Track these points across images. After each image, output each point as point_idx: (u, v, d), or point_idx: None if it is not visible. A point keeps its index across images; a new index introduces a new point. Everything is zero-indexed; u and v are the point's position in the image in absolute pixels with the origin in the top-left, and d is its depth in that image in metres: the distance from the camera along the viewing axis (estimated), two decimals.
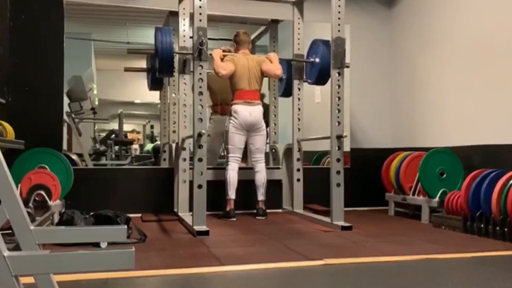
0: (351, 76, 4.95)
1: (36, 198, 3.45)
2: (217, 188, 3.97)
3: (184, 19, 4.29)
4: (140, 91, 5.07)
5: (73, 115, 5.63)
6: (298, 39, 4.50)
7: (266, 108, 4.78)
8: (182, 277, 2.24)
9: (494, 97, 3.94)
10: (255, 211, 4.27)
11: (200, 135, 3.34)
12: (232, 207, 4.11)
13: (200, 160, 3.37)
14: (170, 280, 2.21)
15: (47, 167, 3.85)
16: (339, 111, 3.72)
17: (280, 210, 4.69)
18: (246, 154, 4.47)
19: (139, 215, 4.27)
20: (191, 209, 3.68)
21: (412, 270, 2.43)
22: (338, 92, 3.73)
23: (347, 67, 4.26)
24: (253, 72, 4.23)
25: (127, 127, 7.98)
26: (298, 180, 4.44)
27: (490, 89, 3.99)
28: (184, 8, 4.31)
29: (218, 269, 2.35)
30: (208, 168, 3.97)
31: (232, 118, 4.19)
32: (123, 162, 7.01)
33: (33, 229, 1.32)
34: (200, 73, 3.41)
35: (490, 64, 4.00)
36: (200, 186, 3.35)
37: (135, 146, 7.28)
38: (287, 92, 4.75)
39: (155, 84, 4.59)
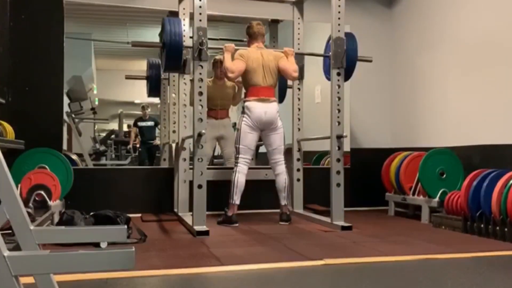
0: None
1: (36, 198, 3.45)
2: (217, 188, 3.97)
3: (184, 19, 4.29)
4: (140, 91, 5.07)
5: (73, 115, 5.64)
6: (298, 39, 4.50)
7: None
8: (182, 277, 2.24)
9: (494, 97, 3.94)
10: (254, 211, 4.26)
11: (200, 135, 3.34)
12: (235, 212, 3.82)
13: (200, 160, 3.37)
14: (170, 280, 2.21)
15: (47, 167, 3.85)
16: (339, 111, 3.72)
17: (279, 211, 4.68)
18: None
19: (139, 215, 4.27)
20: (191, 209, 3.68)
21: (412, 270, 2.43)
22: (338, 92, 3.73)
23: (370, 61, 4.24)
24: (269, 67, 3.91)
25: (127, 127, 7.98)
26: (298, 180, 4.44)
27: (490, 89, 3.99)
28: (184, 8, 4.31)
29: (218, 269, 2.35)
30: (212, 168, 3.97)
31: (245, 116, 3.88)
32: (123, 162, 7.01)
33: (33, 229, 1.32)
34: (200, 73, 3.41)
35: (490, 64, 4.00)
36: (200, 186, 3.35)
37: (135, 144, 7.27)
38: (280, 98, 4.71)
39: (154, 91, 4.61)
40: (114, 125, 7.89)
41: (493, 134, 3.91)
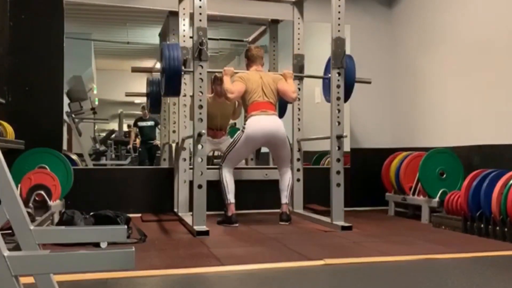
0: None
1: (36, 198, 3.45)
2: (217, 188, 3.96)
3: (184, 19, 4.29)
4: (140, 91, 5.07)
5: (73, 115, 5.64)
6: (298, 39, 4.50)
7: None
8: (182, 277, 2.24)
9: (494, 97, 3.94)
10: (254, 211, 4.27)
11: (200, 135, 3.34)
12: (234, 211, 3.81)
13: (200, 160, 3.37)
14: (170, 280, 2.21)
15: (47, 167, 3.85)
16: (339, 111, 3.72)
17: (280, 210, 4.68)
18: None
19: (139, 215, 4.27)
20: (191, 209, 3.68)
21: (412, 270, 2.43)
22: (338, 92, 3.72)
23: (369, 83, 4.28)
24: (268, 87, 3.93)
25: (127, 127, 7.99)
26: (298, 180, 4.44)
27: (490, 89, 3.99)
28: (184, 8, 4.31)
29: (218, 269, 2.35)
30: (212, 168, 3.97)
31: (245, 132, 3.81)
32: (123, 162, 7.01)
33: (33, 229, 1.32)
34: (200, 73, 3.41)
35: (490, 64, 4.00)
36: (200, 186, 3.35)
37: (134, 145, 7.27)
38: (280, 114, 4.70)
39: (155, 107, 4.59)
40: (114, 125, 7.90)
41: (493, 134, 3.91)
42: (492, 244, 3.03)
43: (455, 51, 4.42)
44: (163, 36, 5.70)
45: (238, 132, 3.94)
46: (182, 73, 3.67)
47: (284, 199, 3.98)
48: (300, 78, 4.50)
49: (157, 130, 6.89)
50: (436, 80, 4.66)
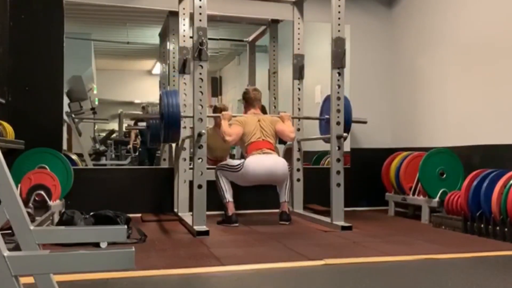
0: (351, 76, 4.95)
1: (36, 198, 3.45)
2: (214, 188, 3.96)
3: (184, 19, 4.29)
4: (140, 91, 5.08)
5: (73, 115, 5.64)
6: (298, 39, 4.50)
7: (264, 111, 4.75)
8: (182, 277, 2.24)
9: (494, 97, 3.94)
10: (254, 211, 4.27)
11: (200, 135, 3.33)
12: (234, 211, 3.81)
13: (200, 160, 3.37)
14: (170, 280, 2.21)
15: (47, 167, 3.85)
16: (339, 111, 3.72)
17: (279, 209, 4.68)
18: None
19: (139, 215, 4.27)
20: (191, 209, 3.68)
21: (412, 270, 2.43)
22: (338, 92, 3.72)
23: (365, 122, 4.35)
24: (266, 129, 3.99)
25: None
26: (298, 180, 4.44)
27: (490, 89, 3.99)
28: (184, 8, 4.30)
29: (218, 269, 2.35)
30: (212, 168, 3.97)
31: (243, 170, 3.80)
32: (123, 162, 7.01)
33: (33, 229, 1.32)
34: (200, 73, 3.41)
35: (490, 64, 4.00)
36: (200, 186, 3.35)
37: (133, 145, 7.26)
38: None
39: (154, 141, 4.61)
40: (114, 125, 7.89)
41: (493, 134, 3.91)
42: (492, 244, 3.03)
43: (455, 51, 4.42)
44: (163, 36, 5.71)
45: (239, 163, 3.88)
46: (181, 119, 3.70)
47: (283, 196, 3.98)
48: (300, 77, 4.50)
49: None
50: (436, 80, 4.66)
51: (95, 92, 6.76)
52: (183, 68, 4.19)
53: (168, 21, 4.90)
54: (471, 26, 4.24)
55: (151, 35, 6.46)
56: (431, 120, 4.72)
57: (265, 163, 3.85)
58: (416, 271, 2.41)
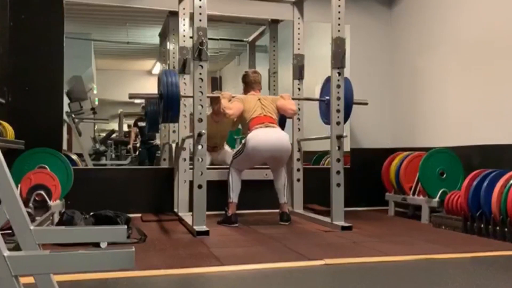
0: (351, 76, 4.93)
1: (36, 198, 3.45)
2: (217, 188, 3.97)
3: (184, 19, 4.29)
4: (140, 91, 5.07)
5: (73, 115, 5.64)
6: (298, 39, 4.50)
7: None
8: (182, 277, 2.24)
9: (494, 97, 3.94)
10: (254, 211, 4.26)
11: (200, 135, 3.33)
12: (235, 211, 3.81)
13: (200, 160, 3.37)
14: (170, 280, 2.21)
15: (47, 167, 3.85)
16: (339, 111, 3.72)
17: (279, 210, 4.68)
18: None
19: (139, 215, 4.27)
20: (191, 209, 3.68)
21: (412, 270, 2.43)
22: (338, 92, 3.72)
23: (366, 104, 4.31)
24: (267, 105, 3.95)
25: (127, 127, 7.99)
26: (298, 180, 4.44)
27: (490, 89, 3.99)
28: (184, 8, 4.31)
29: (218, 269, 2.35)
30: (212, 168, 3.98)
31: (246, 147, 3.77)
32: (123, 162, 7.01)
33: (33, 229, 1.32)
34: (200, 73, 3.41)
35: (490, 64, 4.00)
36: (200, 186, 3.35)
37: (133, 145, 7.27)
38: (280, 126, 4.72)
39: (153, 128, 4.60)
40: (114, 125, 7.90)
41: (493, 134, 3.91)
42: (492, 244, 3.03)
43: (455, 51, 4.42)
44: (163, 36, 5.71)
45: (241, 144, 3.90)
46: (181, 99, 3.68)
47: (283, 198, 3.97)
48: (300, 77, 4.50)
49: None
50: (436, 80, 4.66)
51: (95, 92, 6.76)
52: (183, 68, 4.19)
53: (168, 21, 4.90)
54: (471, 26, 4.24)
55: (151, 35, 6.46)
56: (431, 120, 4.72)
57: (268, 137, 3.78)
58: (416, 271, 2.41)
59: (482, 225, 3.26)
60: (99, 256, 1.13)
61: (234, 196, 3.84)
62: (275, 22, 5.22)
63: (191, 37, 3.81)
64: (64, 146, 4.76)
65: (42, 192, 3.46)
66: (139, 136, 7.10)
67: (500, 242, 3.06)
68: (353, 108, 5.12)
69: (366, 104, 4.34)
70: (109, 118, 7.85)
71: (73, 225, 2.99)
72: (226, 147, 4.94)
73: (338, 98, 3.72)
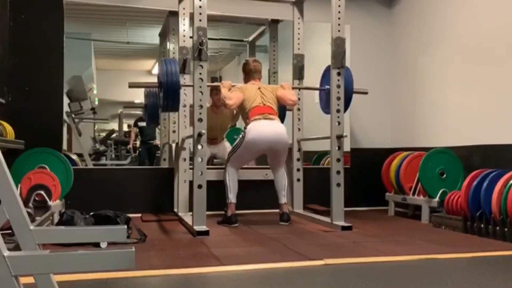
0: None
1: (36, 198, 3.45)
2: (217, 188, 3.96)
3: (184, 19, 4.29)
4: (140, 91, 5.07)
5: (73, 115, 5.64)
6: (298, 39, 4.50)
7: None
8: (182, 277, 2.24)
9: (494, 97, 3.94)
10: (254, 211, 4.26)
11: (200, 135, 3.33)
12: (234, 211, 3.81)
13: (200, 160, 3.37)
14: (170, 280, 2.21)
15: (47, 167, 3.85)
16: (339, 111, 3.72)
17: (279, 211, 4.68)
18: None
19: (139, 215, 4.27)
20: (191, 209, 3.68)
21: (412, 270, 2.43)
22: (338, 92, 3.72)
23: (366, 93, 4.29)
24: (267, 95, 3.92)
25: (127, 127, 7.99)
26: (298, 180, 4.44)
27: (490, 89, 3.99)
28: (184, 8, 4.30)
29: (218, 269, 2.35)
30: (212, 168, 3.97)
31: (245, 139, 3.76)
32: (123, 162, 7.01)
33: (33, 229, 1.32)
34: (200, 73, 3.41)
35: (490, 64, 4.00)
36: (200, 186, 3.35)
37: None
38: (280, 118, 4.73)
39: (153, 119, 4.57)
40: (114, 125, 7.90)
41: (493, 134, 3.91)
42: (492, 244, 3.03)
43: (455, 51, 4.42)
44: (163, 36, 5.70)
45: (239, 137, 3.91)
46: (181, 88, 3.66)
47: (283, 199, 3.97)
48: (300, 77, 4.50)
49: (157, 130, 6.89)
50: (436, 80, 4.66)
51: (95, 92, 6.76)
52: (183, 68, 4.19)
53: (168, 21, 4.90)
54: (471, 26, 4.24)
55: (151, 35, 6.45)
56: (431, 120, 4.72)
57: (267, 129, 3.77)
58: (416, 271, 2.41)
59: (482, 225, 3.26)
60: (99, 256, 1.13)
61: (232, 196, 3.84)
62: (275, 22, 5.22)
63: (191, 37, 3.82)
64: (64, 146, 4.76)
65: (42, 192, 3.46)
66: (139, 136, 7.10)
67: (500, 242, 3.06)
68: (353, 109, 5.14)
69: (366, 93, 4.31)
70: (109, 118, 7.85)
71: (73, 225, 2.99)
72: (226, 143, 4.93)
73: (338, 98, 3.72)
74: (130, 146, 7.17)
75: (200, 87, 3.41)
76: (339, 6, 3.70)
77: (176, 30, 4.48)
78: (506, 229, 3.07)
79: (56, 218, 3.50)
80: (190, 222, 3.48)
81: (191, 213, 3.57)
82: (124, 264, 1.12)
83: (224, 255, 2.63)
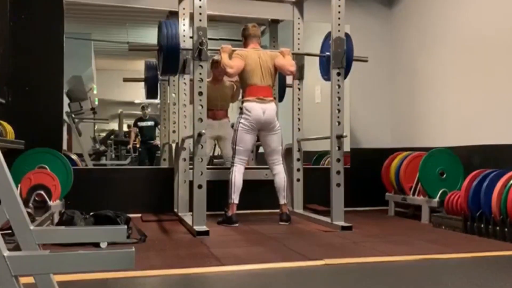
0: (351, 76, 4.92)
1: (36, 198, 3.45)
2: (217, 188, 3.96)
3: (184, 19, 4.29)
4: (140, 91, 5.08)
5: (73, 115, 5.64)
6: (298, 39, 4.50)
7: None
8: (182, 277, 2.24)
9: (494, 97, 3.94)
10: (254, 211, 4.26)
11: (200, 135, 3.34)
12: (235, 212, 3.84)
13: (200, 160, 3.37)
14: (170, 280, 2.21)
15: (47, 167, 3.85)
16: (339, 111, 3.72)
17: (279, 211, 4.68)
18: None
19: (139, 215, 4.27)
20: (191, 209, 3.68)
21: (412, 270, 2.43)
22: (338, 92, 3.72)
23: (366, 61, 4.29)
24: (266, 66, 3.95)
25: (127, 127, 7.98)
26: (298, 180, 4.44)
27: (490, 89, 3.99)
28: (184, 8, 4.30)
29: (218, 269, 2.35)
30: (212, 168, 3.97)
31: (242, 117, 3.89)
32: (123, 162, 7.01)
33: (33, 229, 1.32)
34: (200, 73, 3.41)
35: (490, 64, 4.00)
36: (200, 186, 3.35)
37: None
38: (280, 97, 4.77)
39: (152, 93, 4.61)
40: (114, 125, 7.89)
41: (493, 134, 3.91)
42: (492, 244, 3.03)
43: (455, 51, 4.42)
44: None
45: (237, 117, 3.98)
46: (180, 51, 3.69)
47: (282, 199, 3.98)
48: (300, 77, 4.50)
49: (157, 130, 6.89)
50: (436, 80, 4.66)
51: (95, 92, 6.75)
52: (183, 68, 4.19)
53: None
54: (471, 26, 4.24)
55: (150, 35, 6.44)
56: (431, 120, 4.72)
57: (260, 112, 3.88)
58: (416, 271, 2.41)
59: (482, 225, 3.26)
60: (99, 256, 1.13)
61: (235, 197, 3.84)
62: (275, 22, 5.22)
63: (191, 37, 3.81)
64: (64, 146, 4.76)
65: (42, 192, 3.46)
66: (139, 136, 7.10)
67: (500, 242, 3.06)
68: (353, 109, 5.14)
69: (366, 61, 4.30)
70: (109, 118, 7.84)
71: (73, 225, 2.99)
72: (229, 129, 4.90)
73: (339, 98, 3.72)
74: (130, 146, 7.17)
75: (200, 87, 3.41)
76: (339, 6, 3.71)
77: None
78: (506, 229, 3.07)
79: (56, 218, 3.50)
80: (190, 222, 3.48)
81: (191, 213, 3.57)
82: (124, 264, 1.12)
83: (224, 255, 2.63)
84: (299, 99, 4.50)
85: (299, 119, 4.52)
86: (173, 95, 4.68)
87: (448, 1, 4.54)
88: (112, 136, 7.48)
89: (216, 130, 4.81)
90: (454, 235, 3.37)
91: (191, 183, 3.68)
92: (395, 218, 4.40)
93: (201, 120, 3.37)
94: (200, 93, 3.40)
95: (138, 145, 7.14)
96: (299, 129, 4.52)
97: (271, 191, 4.07)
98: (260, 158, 5.51)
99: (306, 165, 4.75)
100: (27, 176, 3.61)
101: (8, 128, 3.65)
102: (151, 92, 4.57)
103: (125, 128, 7.90)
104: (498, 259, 2.64)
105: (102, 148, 6.93)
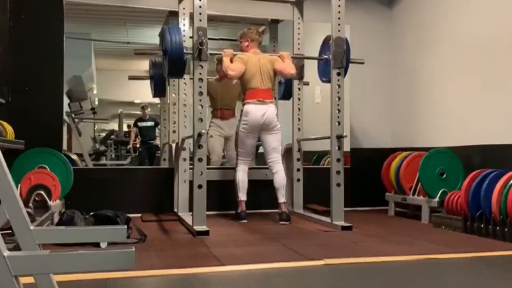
0: (351, 76, 4.94)
1: (36, 198, 3.45)
2: (218, 188, 3.97)
3: (184, 19, 4.29)
4: (140, 91, 5.08)
5: (73, 115, 5.64)
6: (298, 39, 4.50)
7: None
8: (182, 277, 2.24)
9: (494, 97, 3.94)
10: (254, 211, 4.26)
11: (200, 135, 3.33)
12: (244, 208, 4.00)
13: (200, 160, 3.37)
14: (170, 280, 2.21)
15: (47, 167, 3.85)
16: (339, 111, 3.72)
17: (278, 210, 4.68)
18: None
19: (139, 215, 4.27)
20: (191, 209, 3.68)
21: (412, 270, 2.43)
22: (338, 92, 3.72)
23: (362, 63, 4.32)
24: (265, 70, 4.04)
25: (127, 127, 7.99)
26: (298, 180, 4.44)
27: (490, 89, 3.99)
28: (184, 8, 4.31)
29: (218, 269, 2.35)
30: (212, 168, 3.98)
31: (243, 120, 4.01)
32: (123, 162, 7.01)
33: (33, 229, 1.32)
34: (200, 73, 3.41)
35: (490, 64, 4.00)
36: (200, 186, 3.35)
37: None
38: (287, 95, 4.78)
39: (159, 90, 4.60)
40: (114, 125, 7.89)
41: (493, 134, 3.91)
42: (492, 244, 3.03)
43: (455, 51, 4.42)
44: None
45: (238, 120, 4.10)
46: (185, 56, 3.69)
47: (282, 198, 4.01)
48: (300, 77, 4.50)
49: (157, 130, 6.89)
50: (436, 80, 4.66)
51: (95, 92, 6.76)
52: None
53: (168, 21, 4.90)
54: (471, 26, 4.24)
55: (151, 35, 6.45)
56: (431, 120, 4.72)
57: (260, 113, 3.97)
58: (416, 271, 2.41)
59: (482, 225, 3.26)
60: (99, 256, 1.13)
61: (242, 194, 4.02)
62: (275, 22, 5.22)
63: (191, 37, 3.81)
64: (64, 146, 4.76)
65: (42, 192, 3.46)
66: (139, 136, 7.10)
67: (500, 242, 3.06)
68: (353, 109, 5.14)
69: (363, 63, 4.33)
70: (109, 118, 7.84)
71: (73, 225, 2.99)
72: (234, 123, 4.92)
73: (339, 98, 3.72)
74: (130, 146, 7.17)
75: (200, 87, 3.41)
76: (339, 6, 3.71)
77: None
78: (506, 229, 3.07)
79: (56, 218, 3.50)
80: (190, 222, 3.48)
81: (191, 213, 3.57)
82: (124, 264, 1.12)
83: (224, 255, 2.63)
84: (299, 99, 4.50)
85: (299, 119, 4.53)
86: (173, 95, 4.69)
87: (448, 1, 4.53)
88: (112, 136, 7.48)
89: (224, 130, 4.93)
90: (454, 235, 3.37)
91: (191, 183, 3.68)
92: (395, 218, 4.40)
93: (201, 120, 3.37)
94: (200, 93, 3.40)
95: (138, 145, 7.15)
96: (299, 129, 4.52)
97: (271, 191, 4.07)
98: (260, 158, 5.52)
99: (306, 165, 4.75)
100: (27, 176, 3.61)
101: (8, 128, 3.65)
102: (158, 90, 4.56)
103: (125, 128, 7.90)
104: (498, 259, 2.64)
105: (102, 148, 6.93)
